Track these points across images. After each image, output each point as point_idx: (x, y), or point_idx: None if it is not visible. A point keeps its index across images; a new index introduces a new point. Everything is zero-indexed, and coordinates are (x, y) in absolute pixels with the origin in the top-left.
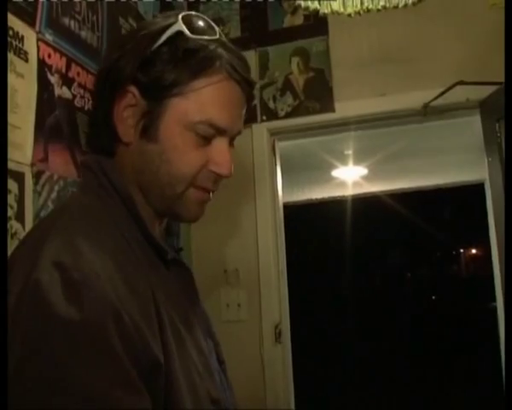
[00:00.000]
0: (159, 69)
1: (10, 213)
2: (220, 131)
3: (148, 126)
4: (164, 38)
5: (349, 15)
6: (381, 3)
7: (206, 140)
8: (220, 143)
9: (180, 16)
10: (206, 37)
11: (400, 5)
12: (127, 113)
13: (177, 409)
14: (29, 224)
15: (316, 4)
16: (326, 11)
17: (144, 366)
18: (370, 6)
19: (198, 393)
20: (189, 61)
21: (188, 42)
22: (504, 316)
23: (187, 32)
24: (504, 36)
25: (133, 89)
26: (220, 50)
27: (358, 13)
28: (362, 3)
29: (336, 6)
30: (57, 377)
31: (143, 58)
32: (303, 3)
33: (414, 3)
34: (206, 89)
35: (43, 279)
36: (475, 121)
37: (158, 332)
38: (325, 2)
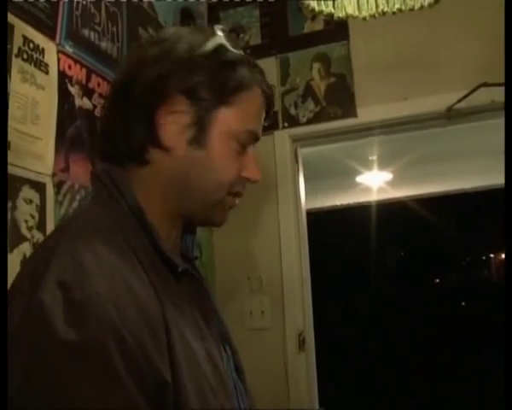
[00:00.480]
0: (207, 79)
1: (32, 222)
2: (256, 140)
3: (197, 134)
4: (208, 49)
5: (364, 19)
6: (397, 6)
7: (243, 148)
8: (251, 151)
9: (218, 30)
10: (241, 51)
11: (416, 7)
12: (173, 119)
13: None
14: None
15: (330, 8)
16: (340, 15)
17: (150, 385)
18: (386, 9)
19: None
20: (234, 73)
21: (230, 55)
22: (505, 316)
23: (228, 45)
24: (504, 36)
25: (181, 97)
26: (253, 63)
27: (373, 16)
28: (377, 6)
29: (351, 9)
30: (56, 401)
31: (190, 68)
32: (317, 8)
33: (430, 5)
34: (248, 99)
35: (46, 300)
36: (502, 124)
37: (166, 349)
38: (340, 5)
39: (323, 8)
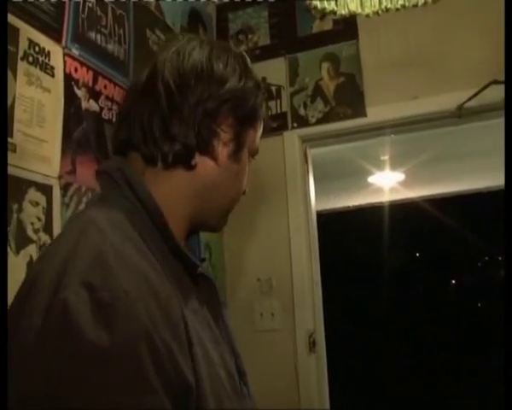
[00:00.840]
0: (250, 106)
1: (38, 225)
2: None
3: (236, 149)
4: (253, 84)
5: (367, 16)
6: (400, 2)
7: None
8: None
9: (249, 60)
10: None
11: (420, 3)
12: (222, 132)
13: None
14: None
15: (332, 5)
16: (343, 12)
17: (177, 390)
18: (389, 5)
19: None
20: (264, 103)
21: (262, 88)
22: (504, 316)
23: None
24: (504, 36)
25: (231, 115)
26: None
27: (377, 13)
28: (380, 3)
29: (354, 7)
30: (87, 405)
31: (241, 97)
32: (319, 5)
33: (434, 1)
34: (261, 123)
35: (71, 300)
36: None
37: (188, 352)
38: (342, 3)
39: (326, 5)
